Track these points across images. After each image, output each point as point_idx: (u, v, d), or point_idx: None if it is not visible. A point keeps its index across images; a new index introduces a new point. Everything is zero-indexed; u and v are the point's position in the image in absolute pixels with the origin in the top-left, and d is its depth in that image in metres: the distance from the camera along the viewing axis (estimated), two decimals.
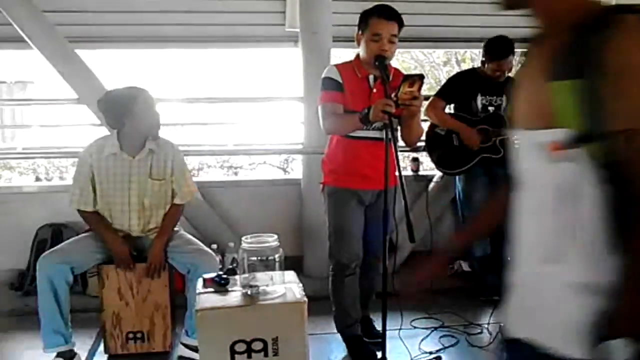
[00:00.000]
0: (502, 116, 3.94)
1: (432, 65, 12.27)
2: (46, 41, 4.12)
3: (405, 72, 3.06)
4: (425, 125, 4.18)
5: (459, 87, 3.99)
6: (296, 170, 7.01)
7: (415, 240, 2.33)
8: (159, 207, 3.19)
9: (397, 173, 2.48)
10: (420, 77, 2.56)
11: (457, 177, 4.11)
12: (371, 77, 2.94)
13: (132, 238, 3.21)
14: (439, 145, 4.02)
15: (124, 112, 3.05)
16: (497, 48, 3.84)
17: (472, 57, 10.58)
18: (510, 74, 3.98)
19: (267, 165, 7.92)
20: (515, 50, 3.88)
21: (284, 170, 7.71)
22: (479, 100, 3.93)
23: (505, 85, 3.99)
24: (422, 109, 3.28)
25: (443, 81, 5.40)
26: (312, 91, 4.09)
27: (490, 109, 3.95)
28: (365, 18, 2.86)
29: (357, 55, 2.98)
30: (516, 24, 4.66)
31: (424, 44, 6.64)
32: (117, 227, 3.16)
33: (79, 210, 3.13)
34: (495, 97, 3.95)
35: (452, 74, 5.54)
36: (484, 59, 3.93)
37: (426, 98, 4.04)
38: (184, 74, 10.88)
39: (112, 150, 3.09)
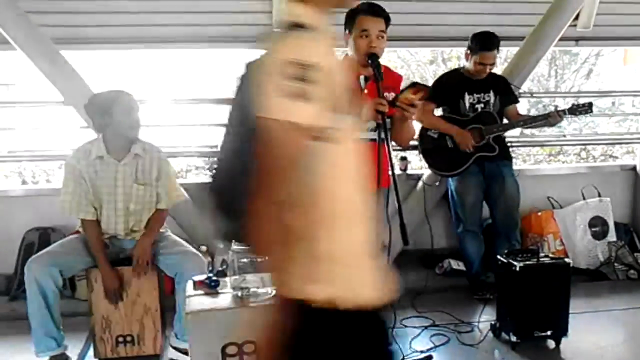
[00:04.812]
0: (491, 113, 3.94)
1: (418, 64, 12.29)
2: (30, 42, 4.08)
3: (392, 71, 3.07)
4: (417, 128, 4.20)
5: (445, 87, 3.98)
6: None
7: (408, 242, 2.36)
8: (144, 212, 3.18)
9: (390, 174, 2.49)
10: (426, 88, 2.58)
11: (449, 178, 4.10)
12: (362, 77, 2.91)
13: (118, 240, 3.19)
14: (433, 148, 4.00)
15: (104, 115, 3.04)
16: (483, 40, 3.84)
17: (458, 56, 10.59)
18: (494, 71, 3.99)
19: None
20: (500, 47, 3.90)
21: None
22: (467, 100, 3.94)
23: (491, 81, 4.00)
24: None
25: (430, 80, 5.41)
26: None
27: (479, 107, 3.95)
28: (352, 16, 2.83)
29: (346, 56, 2.96)
30: (502, 23, 4.70)
31: (410, 43, 6.64)
32: (104, 229, 3.14)
33: (81, 219, 3.09)
34: (482, 94, 3.96)
35: (438, 73, 5.56)
36: (468, 51, 3.93)
37: None
38: (171, 75, 10.81)
39: (98, 154, 3.06)
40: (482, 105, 3.95)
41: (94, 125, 3.16)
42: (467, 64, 3.94)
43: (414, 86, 2.56)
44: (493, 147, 3.90)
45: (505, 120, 4.00)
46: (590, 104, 3.89)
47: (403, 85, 2.65)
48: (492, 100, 3.97)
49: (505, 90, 4.06)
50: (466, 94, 3.94)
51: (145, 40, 5.04)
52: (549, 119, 3.86)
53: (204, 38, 5.12)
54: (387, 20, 2.83)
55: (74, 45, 4.85)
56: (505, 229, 4.04)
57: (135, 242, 3.13)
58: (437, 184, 4.33)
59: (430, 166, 4.05)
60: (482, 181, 3.98)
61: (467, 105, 3.94)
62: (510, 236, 4.01)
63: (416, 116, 3.98)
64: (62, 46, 4.34)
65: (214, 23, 4.98)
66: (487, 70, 3.90)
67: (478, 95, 3.95)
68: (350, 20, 2.84)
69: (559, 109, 3.89)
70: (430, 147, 4.01)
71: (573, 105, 3.92)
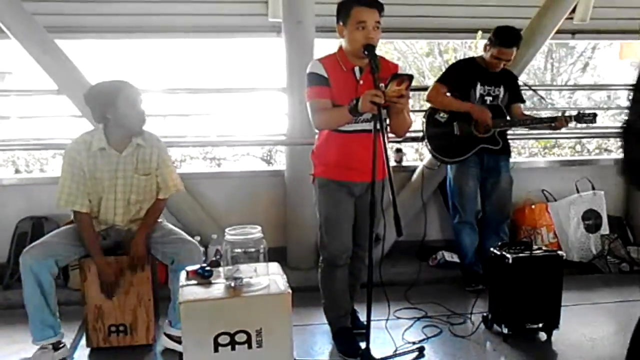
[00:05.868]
0: (500, 107, 3.93)
1: (414, 56, 12.27)
2: (25, 31, 4.05)
3: (388, 61, 3.05)
4: (422, 113, 4.19)
5: (459, 74, 3.95)
6: (280, 161, 6.98)
7: (402, 234, 2.36)
8: (144, 202, 3.16)
9: (385, 165, 2.48)
10: (409, 77, 2.56)
11: (448, 165, 4.08)
12: (357, 69, 2.88)
13: (117, 231, 3.18)
14: (438, 132, 3.98)
15: (106, 107, 2.98)
16: (503, 36, 3.80)
17: (454, 48, 10.58)
18: (508, 67, 3.97)
19: (250, 157, 7.86)
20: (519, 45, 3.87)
21: (268, 162, 7.66)
22: (478, 90, 3.90)
23: (503, 76, 3.98)
24: (411, 103, 3.27)
25: (425, 72, 5.40)
26: (296, 82, 4.08)
27: (488, 99, 3.92)
28: (347, 8, 2.79)
29: (340, 48, 2.94)
30: (499, 15, 4.69)
31: (406, 35, 6.63)
32: (102, 220, 3.13)
33: (73, 211, 3.06)
34: (493, 87, 3.93)
35: (434, 65, 5.54)
36: (488, 42, 3.89)
37: (416, 89, 4.00)
38: (166, 65, 10.78)
39: (100, 145, 3.02)
40: (491, 98, 3.93)
41: (94, 116, 3.09)
42: (485, 55, 3.91)
43: (397, 78, 2.55)
44: (497, 140, 3.90)
45: (509, 118, 3.99)
46: (594, 115, 3.88)
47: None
48: (501, 95, 3.94)
49: (514, 87, 4.04)
50: (478, 84, 3.91)
51: (140, 29, 5.03)
52: (555, 123, 3.86)
53: (200, 28, 5.11)
54: (382, 10, 2.82)
55: (69, 34, 4.84)
56: (495, 223, 4.05)
57: (133, 234, 3.11)
58: (436, 167, 4.33)
59: (433, 150, 4.03)
60: (480, 173, 3.98)
61: (477, 95, 3.91)
62: (498, 229, 4.02)
63: (428, 98, 4.00)
64: (56, 35, 4.31)
65: (209, 13, 4.97)
66: (502, 65, 3.87)
67: (489, 88, 3.92)
68: (345, 12, 2.81)
69: (566, 114, 3.89)
70: (435, 132, 3.99)
71: (579, 113, 3.89)
